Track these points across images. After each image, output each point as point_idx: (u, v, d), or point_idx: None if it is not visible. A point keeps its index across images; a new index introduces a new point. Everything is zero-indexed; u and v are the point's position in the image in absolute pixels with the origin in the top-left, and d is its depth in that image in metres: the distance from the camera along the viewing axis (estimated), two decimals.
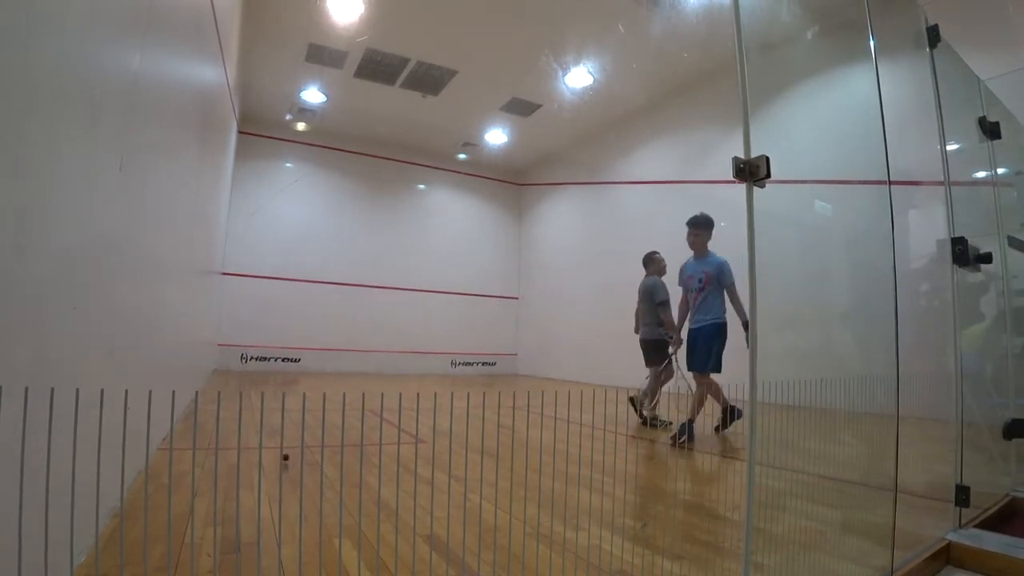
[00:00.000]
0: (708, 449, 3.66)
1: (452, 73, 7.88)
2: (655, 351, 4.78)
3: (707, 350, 3.88)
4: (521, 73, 7.80)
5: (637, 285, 4.99)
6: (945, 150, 1.99)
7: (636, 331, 5.03)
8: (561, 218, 10.95)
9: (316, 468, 2.52)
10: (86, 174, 1.35)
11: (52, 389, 0.87)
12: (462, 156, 11.31)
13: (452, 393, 1.35)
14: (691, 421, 3.77)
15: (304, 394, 1.29)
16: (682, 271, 4.27)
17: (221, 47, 4.36)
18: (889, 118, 1.65)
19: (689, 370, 4.05)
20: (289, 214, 9.83)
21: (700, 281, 4.00)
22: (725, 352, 4.40)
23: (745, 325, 3.56)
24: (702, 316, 3.96)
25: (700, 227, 4.10)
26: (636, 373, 5.07)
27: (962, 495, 1.84)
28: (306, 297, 9.78)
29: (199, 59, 3.35)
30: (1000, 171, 2.54)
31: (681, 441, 3.68)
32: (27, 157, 1.00)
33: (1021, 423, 2.23)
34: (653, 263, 4.97)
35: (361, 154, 10.50)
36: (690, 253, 4.19)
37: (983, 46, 4.25)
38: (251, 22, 6.52)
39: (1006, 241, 2.33)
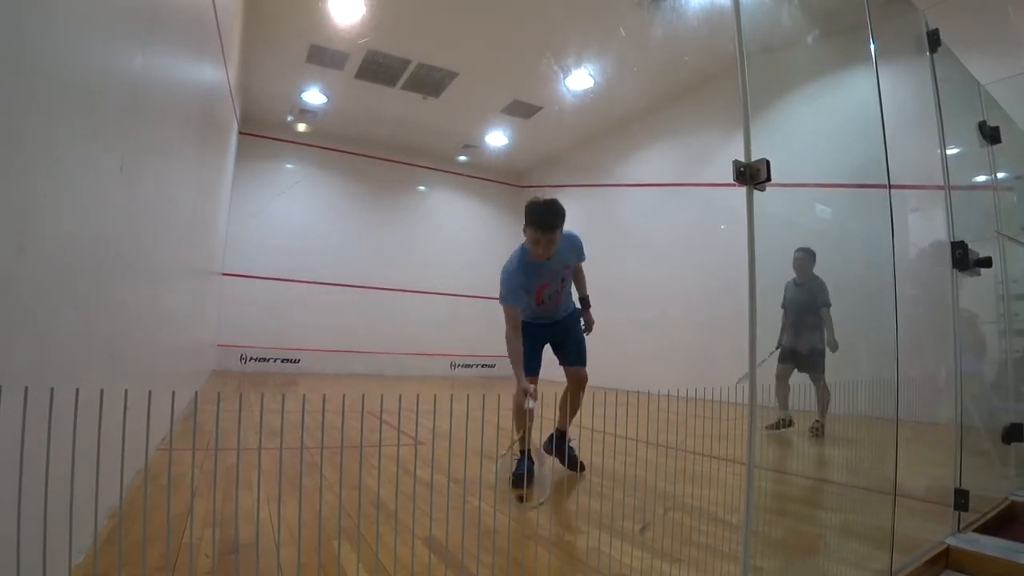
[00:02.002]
0: (706, 453, 3.65)
1: (453, 75, 7.89)
2: (822, 359, 4.12)
3: (581, 338, 3.05)
4: (522, 75, 7.81)
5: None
6: (945, 154, 1.99)
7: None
8: None
9: (315, 469, 2.51)
10: (86, 174, 1.35)
11: (52, 389, 0.87)
12: (463, 158, 11.32)
13: (452, 395, 1.34)
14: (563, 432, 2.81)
15: (304, 395, 1.29)
16: (522, 268, 2.71)
17: (222, 47, 4.36)
18: (889, 122, 1.65)
19: (569, 365, 3.02)
20: (289, 215, 9.83)
21: (566, 268, 2.91)
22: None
23: (584, 301, 3.04)
24: (566, 303, 3.04)
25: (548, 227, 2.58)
26: (635, 375, 5.01)
27: (961, 499, 1.84)
28: (306, 298, 9.78)
29: (200, 59, 3.36)
30: (1000, 175, 2.55)
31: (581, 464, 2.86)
32: (27, 157, 1.01)
33: (1020, 427, 2.24)
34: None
35: (362, 156, 10.50)
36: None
37: (983, 50, 4.25)
38: (252, 23, 6.53)
39: (1001, 241, 2.33)
